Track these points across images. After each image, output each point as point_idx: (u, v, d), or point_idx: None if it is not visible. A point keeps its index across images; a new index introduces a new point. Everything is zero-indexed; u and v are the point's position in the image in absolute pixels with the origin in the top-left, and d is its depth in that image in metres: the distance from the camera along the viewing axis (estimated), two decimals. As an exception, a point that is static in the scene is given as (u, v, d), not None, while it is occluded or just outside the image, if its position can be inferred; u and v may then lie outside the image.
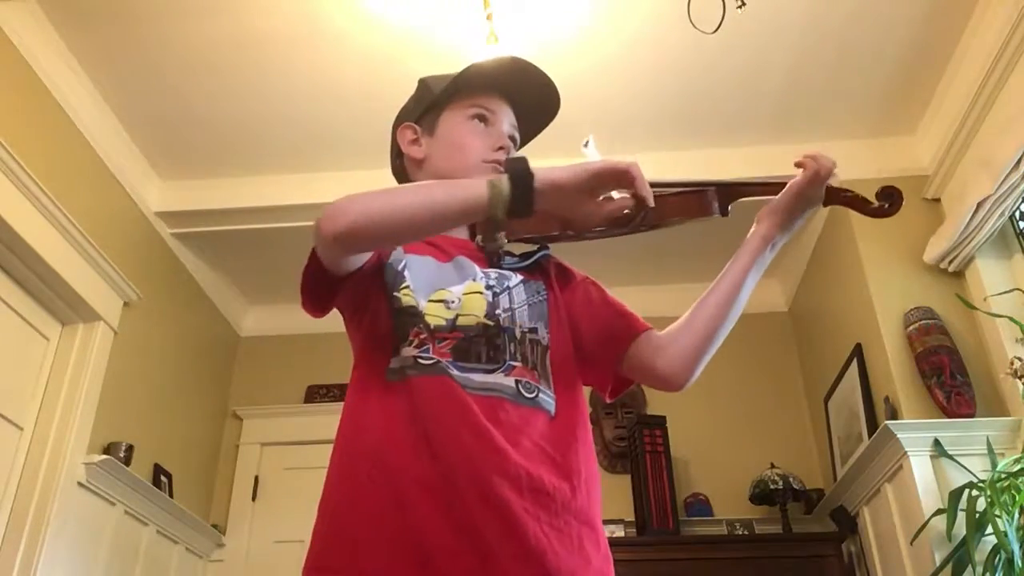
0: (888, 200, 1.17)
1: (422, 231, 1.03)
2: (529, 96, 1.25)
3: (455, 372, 1.01)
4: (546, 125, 1.30)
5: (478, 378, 1.02)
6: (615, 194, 0.98)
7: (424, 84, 1.27)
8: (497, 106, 1.23)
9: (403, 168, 1.27)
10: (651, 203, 0.98)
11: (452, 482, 0.94)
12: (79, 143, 2.86)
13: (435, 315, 1.06)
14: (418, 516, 0.93)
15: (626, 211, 0.99)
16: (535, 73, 1.23)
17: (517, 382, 1.04)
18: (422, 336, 1.04)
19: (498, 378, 1.03)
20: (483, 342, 1.05)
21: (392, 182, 1.30)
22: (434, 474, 0.95)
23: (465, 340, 1.05)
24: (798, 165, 1.14)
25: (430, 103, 1.23)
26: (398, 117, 1.28)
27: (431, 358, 1.02)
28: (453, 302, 1.07)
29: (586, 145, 1.13)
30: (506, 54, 1.23)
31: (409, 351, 1.03)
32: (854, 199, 1.17)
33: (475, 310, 1.07)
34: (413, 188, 1.07)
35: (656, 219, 1.09)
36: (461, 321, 1.06)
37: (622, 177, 0.96)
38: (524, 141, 1.29)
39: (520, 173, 0.95)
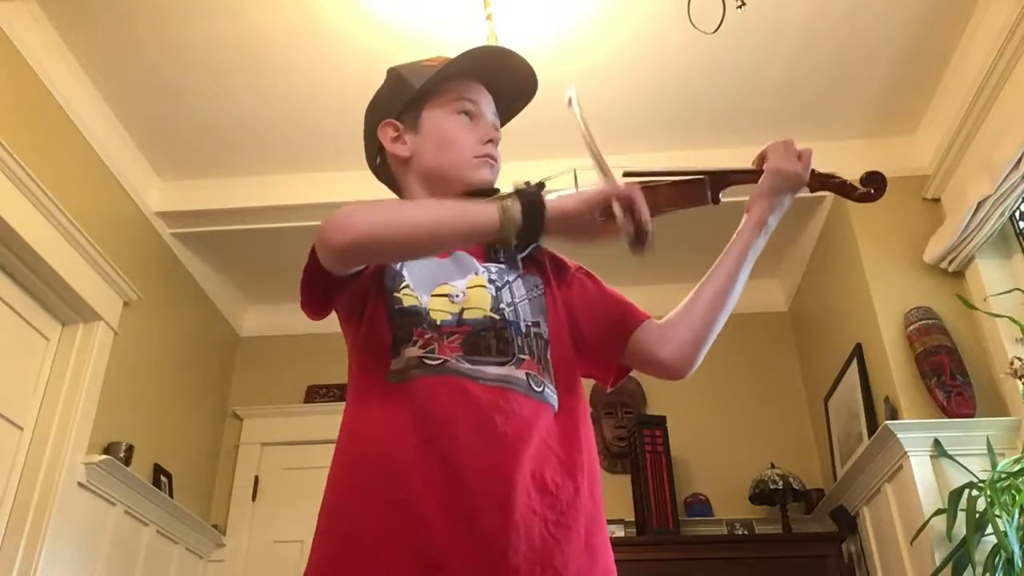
0: (873, 185, 1.20)
1: (427, 250, 1.04)
2: (507, 81, 1.24)
3: (466, 366, 1.01)
4: (524, 105, 1.29)
5: (491, 370, 1.02)
6: (617, 214, 0.99)
7: (399, 76, 1.23)
8: (479, 96, 1.22)
9: (386, 166, 1.24)
10: (649, 230, 0.98)
11: (461, 484, 0.93)
12: (79, 143, 2.86)
13: (440, 310, 1.05)
14: (426, 518, 0.92)
15: (625, 237, 1.00)
16: (512, 58, 1.22)
17: (528, 375, 1.04)
18: (427, 336, 1.03)
19: (510, 370, 1.03)
20: (492, 336, 1.05)
21: (373, 180, 1.28)
22: (442, 476, 0.94)
23: (473, 334, 1.04)
24: (761, 156, 1.19)
25: (410, 98, 1.20)
26: (373, 113, 1.24)
27: (438, 358, 1.01)
28: (457, 296, 1.07)
29: (569, 103, 1.14)
30: (483, 44, 1.22)
31: (413, 351, 1.02)
32: (840, 184, 1.21)
33: (481, 304, 1.07)
34: (422, 206, 1.05)
35: (651, 209, 1.10)
36: (467, 315, 1.06)
37: (624, 203, 0.97)
38: (503, 122, 1.27)
39: (532, 205, 0.96)
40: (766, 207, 1.17)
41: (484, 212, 0.96)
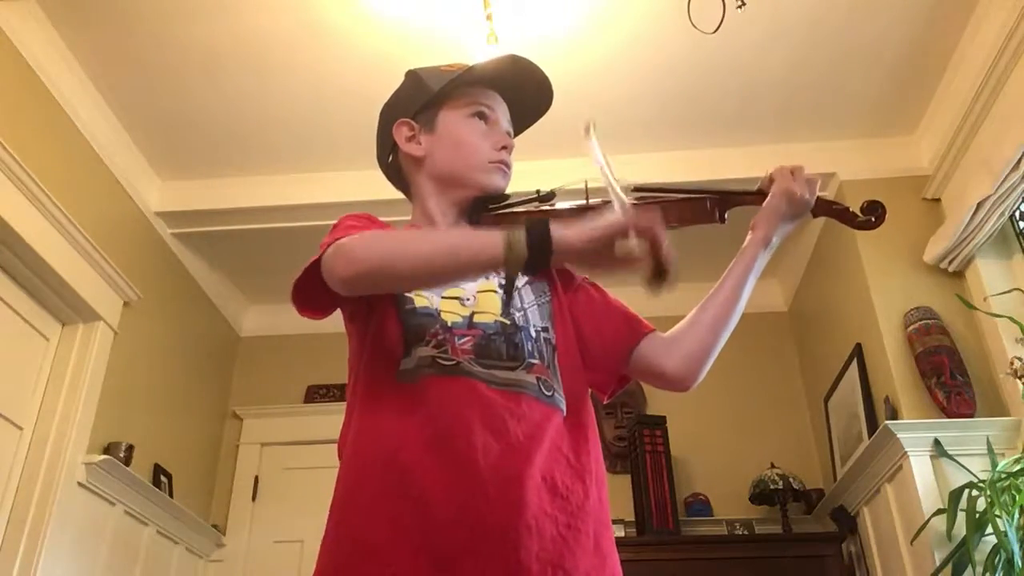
0: (873, 213, 1.23)
1: (435, 284, 1.04)
2: (524, 92, 1.25)
3: (478, 369, 1.01)
4: (538, 119, 1.30)
5: (502, 374, 1.02)
6: (635, 247, 0.92)
7: (417, 78, 1.24)
8: (495, 103, 1.22)
9: (397, 166, 1.24)
10: (671, 267, 0.92)
11: (473, 484, 0.94)
12: (79, 143, 2.86)
13: (451, 312, 1.06)
14: (438, 517, 0.92)
15: (642, 271, 0.94)
16: (532, 70, 1.23)
17: (538, 379, 1.04)
18: (440, 336, 1.03)
19: (520, 374, 1.03)
20: (502, 340, 1.05)
21: (383, 182, 1.29)
22: (453, 476, 0.94)
23: (484, 337, 1.04)
24: (769, 178, 1.19)
25: (427, 100, 1.21)
26: (389, 112, 1.25)
27: (451, 359, 1.01)
28: (468, 299, 1.08)
29: (587, 132, 1.14)
30: (504, 52, 1.23)
31: (426, 351, 1.02)
32: (841, 212, 1.23)
33: (491, 308, 1.08)
34: (428, 239, 1.05)
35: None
36: (478, 319, 1.06)
37: (644, 235, 0.92)
38: (515, 133, 1.27)
39: (540, 240, 0.92)
40: (772, 227, 1.19)
41: (489, 248, 0.94)
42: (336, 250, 0.98)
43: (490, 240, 0.94)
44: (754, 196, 1.21)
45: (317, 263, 1.01)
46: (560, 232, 0.93)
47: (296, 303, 1.07)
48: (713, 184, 1.22)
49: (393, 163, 1.25)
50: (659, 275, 0.93)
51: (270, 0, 2.59)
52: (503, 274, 1.13)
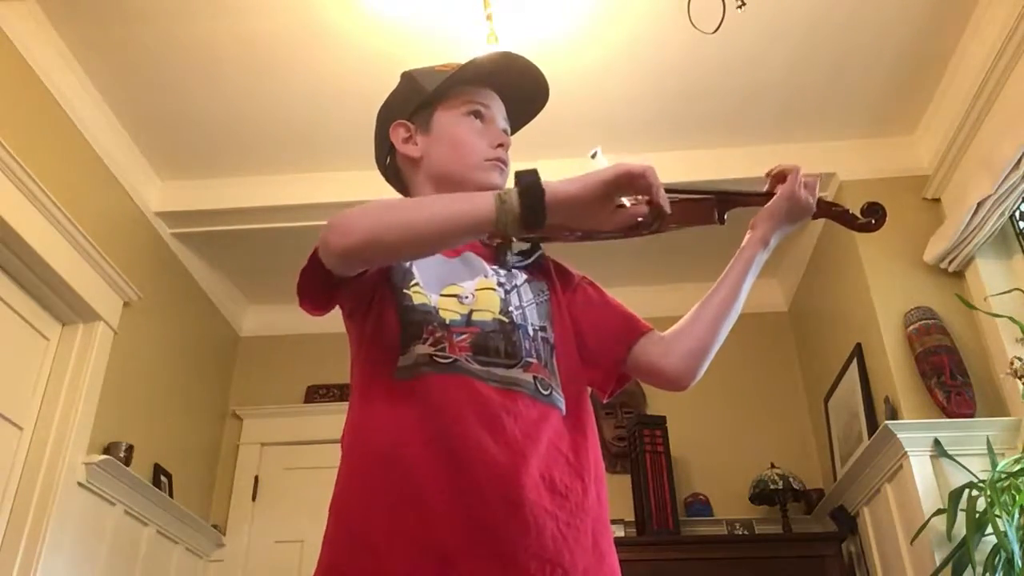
0: (873, 216, 1.23)
1: (431, 248, 1.01)
2: (519, 88, 1.25)
3: (475, 366, 1.01)
4: (534, 115, 1.30)
5: (499, 372, 1.02)
6: (627, 201, 0.97)
7: (412, 79, 1.24)
8: (491, 100, 1.22)
9: (396, 167, 1.25)
10: (668, 210, 0.97)
11: (470, 481, 0.94)
12: (79, 143, 2.86)
13: (449, 309, 1.06)
14: (436, 515, 0.93)
15: (640, 219, 0.99)
16: (526, 66, 1.23)
17: (535, 378, 1.04)
18: (437, 334, 1.03)
19: (517, 373, 1.03)
20: (500, 337, 1.05)
21: (382, 182, 1.29)
22: (451, 473, 0.94)
23: (482, 335, 1.04)
24: (774, 175, 1.20)
25: (423, 100, 1.21)
26: (386, 114, 1.25)
27: (449, 357, 1.01)
28: (467, 297, 1.08)
29: (593, 156, 1.14)
30: (497, 50, 1.22)
31: (423, 349, 1.02)
32: (842, 214, 1.24)
33: (490, 306, 1.08)
34: (421, 204, 1.04)
35: (659, 226, 1.11)
36: (476, 316, 1.06)
37: (637, 183, 0.95)
38: (513, 131, 1.27)
39: (530, 189, 0.92)
40: (772, 227, 1.19)
41: (481, 204, 0.94)
42: (330, 226, 0.97)
43: (483, 199, 0.94)
44: (755, 197, 1.21)
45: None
46: (553, 182, 0.93)
47: (301, 295, 1.06)
48: (713, 184, 1.21)
49: (391, 165, 1.25)
50: (656, 219, 0.97)
51: (270, 0, 2.59)
52: (506, 257, 1.14)
